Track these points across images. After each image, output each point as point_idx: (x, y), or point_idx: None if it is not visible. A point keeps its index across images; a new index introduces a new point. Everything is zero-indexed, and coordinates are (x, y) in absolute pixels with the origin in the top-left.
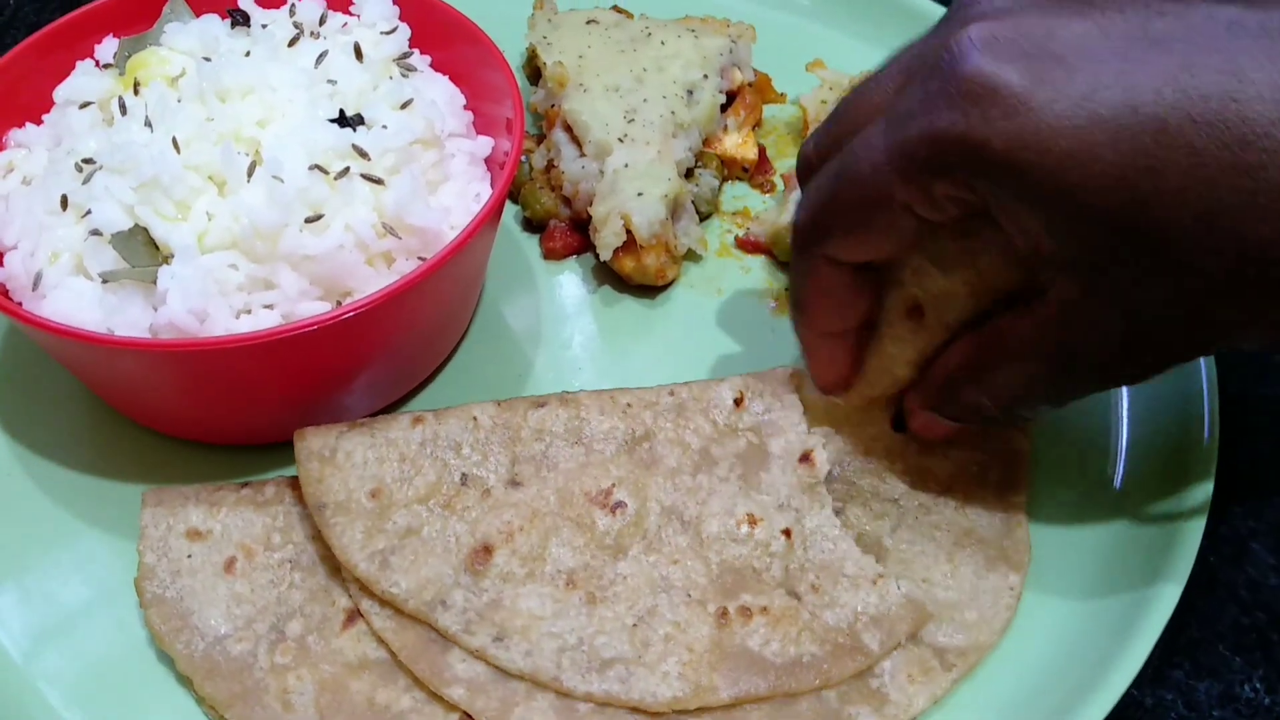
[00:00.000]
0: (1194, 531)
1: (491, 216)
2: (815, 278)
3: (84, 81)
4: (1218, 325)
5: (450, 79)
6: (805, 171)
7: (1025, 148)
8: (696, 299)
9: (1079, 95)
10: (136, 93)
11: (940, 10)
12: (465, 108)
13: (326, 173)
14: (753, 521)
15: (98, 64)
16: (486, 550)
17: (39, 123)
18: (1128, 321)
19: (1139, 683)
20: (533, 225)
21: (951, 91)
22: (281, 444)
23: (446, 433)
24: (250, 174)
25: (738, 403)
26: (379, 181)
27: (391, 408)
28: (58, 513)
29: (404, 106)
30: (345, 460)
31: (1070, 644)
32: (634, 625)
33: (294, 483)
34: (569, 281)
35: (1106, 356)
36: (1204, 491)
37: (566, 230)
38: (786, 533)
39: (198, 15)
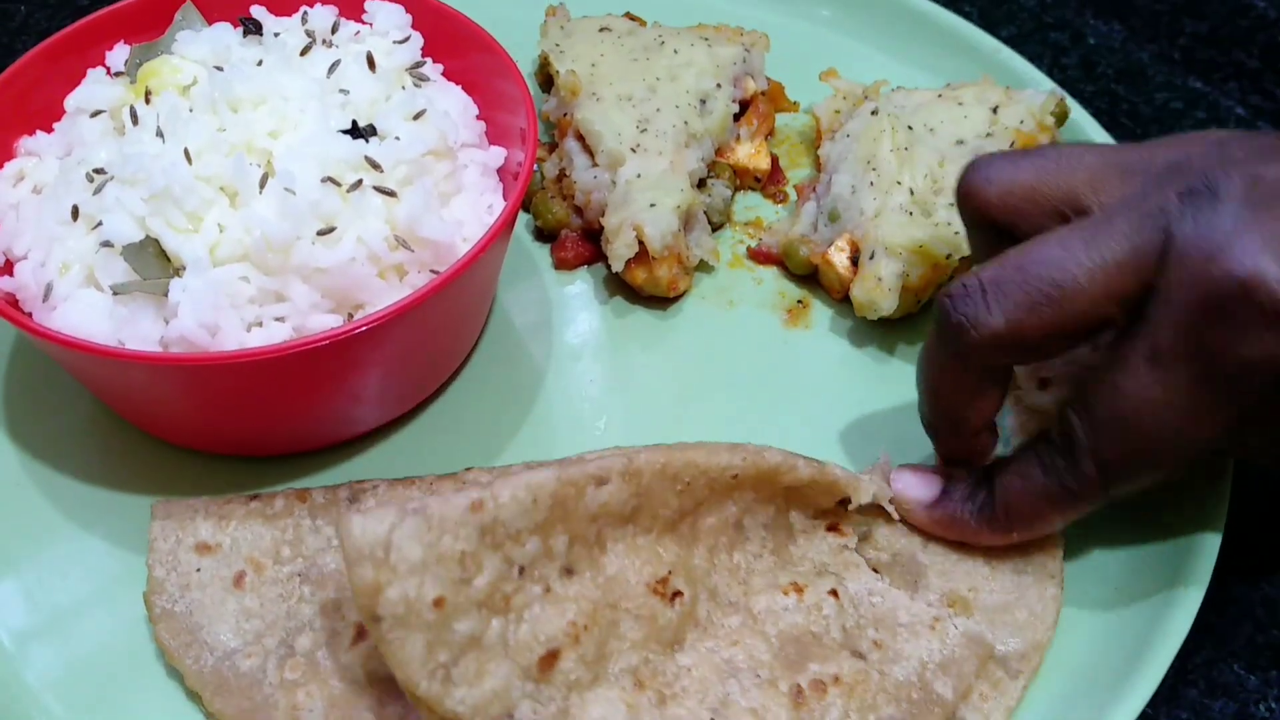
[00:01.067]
0: (1210, 547)
1: (504, 231)
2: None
3: (95, 90)
4: None
5: (463, 88)
6: (992, 351)
7: None
8: (708, 310)
9: None
10: (148, 101)
11: (954, 19)
12: (478, 118)
13: (339, 185)
14: (799, 590)
15: (109, 71)
16: (553, 656)
17: (49, 130)
18: None
19: (1153, 702)
20: (544, 234)
21: (1268, 321)
22: (291, 455)
23: (506, 518)
24: (262, 186)
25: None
26: (391, 194)
27: (403, 419)
28: (66, 523)
29: (417, 117)
30: (401, 561)
31: (1084, 663)
32: (711, 718)
33: (303, 495)
34: (580, 292)
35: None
36: (1220, 505)
37: (578, 240)
38: (833, 593)
39: (210, 22)
